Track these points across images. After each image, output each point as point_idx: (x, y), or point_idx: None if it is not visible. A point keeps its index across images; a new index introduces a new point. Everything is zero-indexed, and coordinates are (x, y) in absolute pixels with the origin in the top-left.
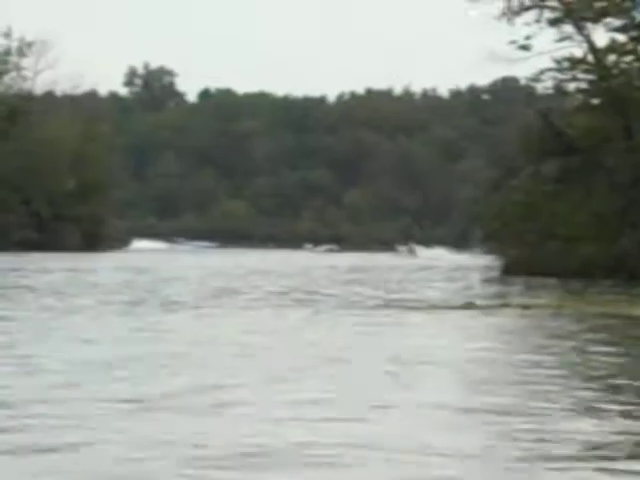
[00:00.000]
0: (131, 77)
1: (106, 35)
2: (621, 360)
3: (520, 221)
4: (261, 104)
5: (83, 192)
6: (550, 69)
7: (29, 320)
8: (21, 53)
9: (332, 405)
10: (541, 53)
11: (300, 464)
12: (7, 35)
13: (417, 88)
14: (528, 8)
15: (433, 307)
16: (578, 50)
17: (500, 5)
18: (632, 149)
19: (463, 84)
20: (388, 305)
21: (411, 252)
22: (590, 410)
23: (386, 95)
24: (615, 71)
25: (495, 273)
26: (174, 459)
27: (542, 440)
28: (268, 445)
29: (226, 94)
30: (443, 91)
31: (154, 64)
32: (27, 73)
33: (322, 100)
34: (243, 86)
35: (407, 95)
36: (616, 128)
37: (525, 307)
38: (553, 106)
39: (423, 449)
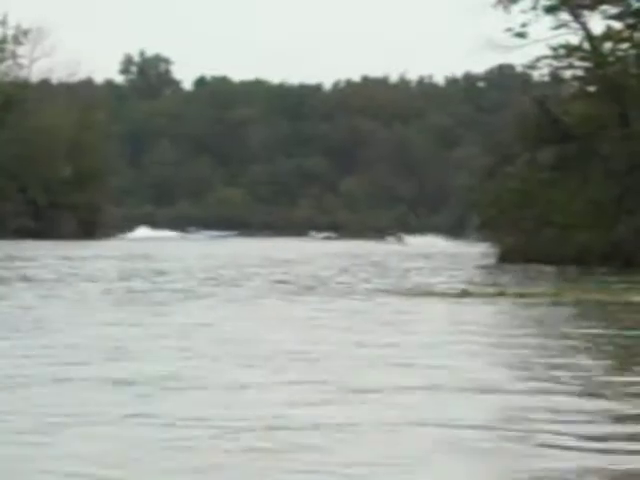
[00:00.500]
0: (127, 65)
1: (102, 23)
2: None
3: (516, 208)
4: (257, 92)
5: (79, 180)
6: (546, 56)
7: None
8: (17, 41)
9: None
10: (537, 40)
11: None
12: (3, 23)
13: (413, 76)
14: None
15: (429, 294)
16: (574, 37)
17: None
18: (628, 136)
19: (459, 72)
20: (382, 292)
21: (399, 240)
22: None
23: (382, 83)
24: (611, 58)
25: (490, 261)
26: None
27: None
28: None
29: (222, 82)
30: (439, 79)
31: (150, 52)
32: (23, 61)
33: (318, 88)
34: (239, 74)
35: (403, 83)
36: (612, 115)
37: (521, 295)
38: (549, 93)
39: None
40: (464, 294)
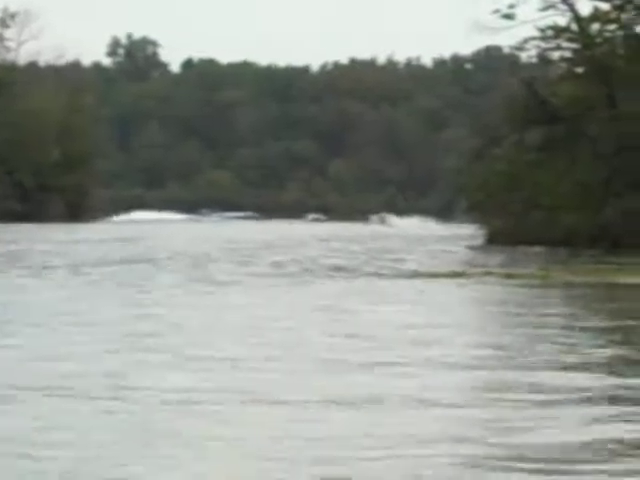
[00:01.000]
0: (114, 48)
1: (89, 6)
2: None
3: (504, 191)
4: (245, 74)
5: (67, 163)
6: (534, 38)
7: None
8: (4, 24)
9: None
10: (525, 22)
11: None
12: None
13: (401, 57)
14: None
15: (418, 275)
16: (562, 19)
17: None
18: (616, 118)
19: (447, 53)
20: (372, 274)
21: (382, 222)
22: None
23: (370, 65)
24: (599, 40)
25: (478, 242)
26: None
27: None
28: None
29: (209, 64)
30: (427, 60)
31: (137, 34)
32: (10, 44)
33: (306, 70)
34: (226, 56)
35: (391, 65)
36: (600, 97)
37: (509, 276)
38: (537, 75)
39: None
40: (453, 275)
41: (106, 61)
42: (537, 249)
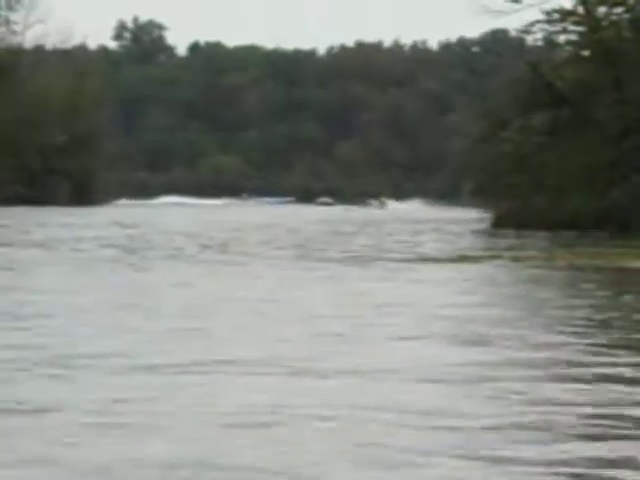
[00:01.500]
0: (120, 31)
1: None
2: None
3: (510, 173)
4: (251, 57)
5: (73, 146)
6: (540, 21)
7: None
8: (10, 7)
9: None
10: (531, 5)
11: None
12: None
13: (407, 40)
14: None
15: (425, 260)
16: (568, 2)
17: None
18: (622, 101)
19: (453, 36)
20: (379, 258)
21: (381, 205)
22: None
23: (376, 48)
24: (605, 23)
25: (483, 226)
26: None
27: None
28: None
29: (216, 47)
30: (433, 43)
31: (143, 18)
32: (16, 27)
33: (312, 53)
34: (233, 39)
35: (397, 47)
36: (606, 80)
37: (515, 259)
38: (543, 58)
39: None
40: (460, 259)
41: (112, 44)
42: (543, 232)
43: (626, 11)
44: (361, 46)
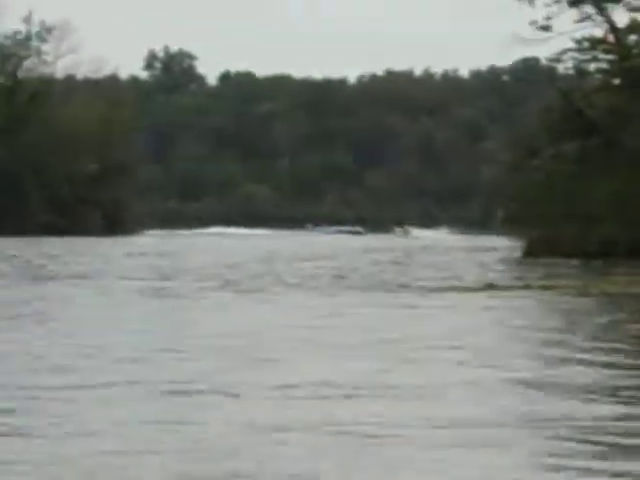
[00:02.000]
0: (151, 60)
1: (126, 19)
2: None
3: (541, 202)
4: (281, 86)
5: (105, 175)
6: (570, 49)
7: None
8: (41, 38)
9: None
10: (561, 33)
11: None
12: (27, 20)
13: (438, 69)
14: None
15: (454, 289)
16: (598, 30)
17: None
18: None
19: (484, 65)
20: (407, 287)
21: (405, 233)
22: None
23: (406, 76)
24: (635, 51)
25: (514, 255)
26: None
27: None
28: None
29: (246, 77)
30: (464, 72)
31: (174, 47)
32: (48, 58)
33: (342, 82)
34: (263, 69)
35: (427, 76)
36: (637, 108)
37: (546, 288)
38: (573, 86)
39: None
40: (490, 287)
41: (143, 74)
42: (575, 261)
43: None
44: (391, 74)
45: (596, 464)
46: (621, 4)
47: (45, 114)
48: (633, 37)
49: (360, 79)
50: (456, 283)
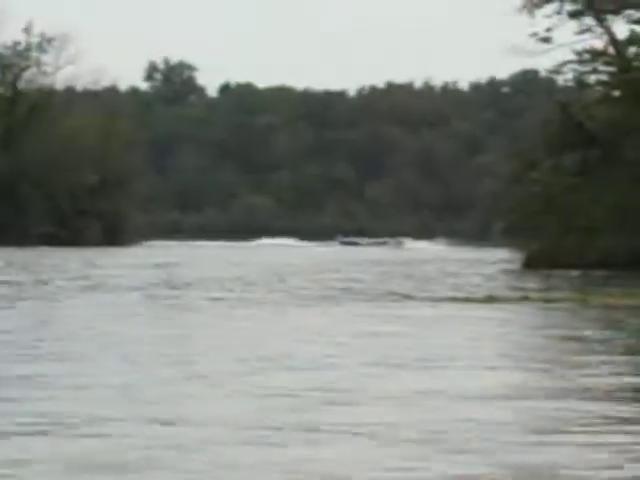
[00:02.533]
0: (151, 72)
1: (126, 30)
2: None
3: (540, 214)
4: (281, 98)
5: (104, 187)
6: (571, 61)
7: None
8: (41, 49)
9: None
10: (561, 45)
11: None
12: (27, 31)
13: (437, 81)
14: (549, 0)
15: (453, 300)
16: (599, 42)
17: None
18: None
19: (483, 77)
20: (408, 298)
21: (399, 245)
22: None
23: (406, 89)
24: (636, 63)
25: (512, 266)
26: None
27: None
28: None
29: (246, 88)
30: (463, 84)
31: (174, 59)
32: (48, 69)
33: (342, 94)
34: (263, 80)
35: (427, 88)
36: (637, 120)
37: (547, 301)
38: (573, 98)
39: None
40: (489, 300)
41: (143, 85)
42: (574, 272)
43: None
44: (391, 87)
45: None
46: (621, 16)
47: (45, 125)
48: (633, 49)
49: (360, 91)
50: (456, 295)
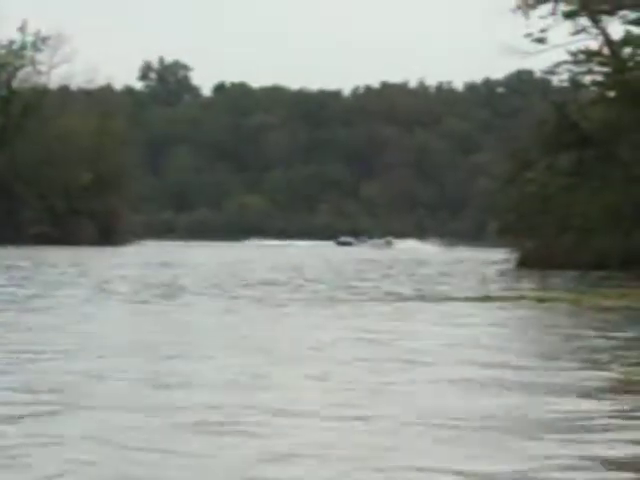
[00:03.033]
0: (146, 71)
1: (121, 30)
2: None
3: (535, 214)
4: (276, 98)
5: (98, 186)
6: (565, 62)
7: None
8: (36, 48)
9: None
10: (556, 46)
11: None
12: (22, 30)
13: (432, 81)
14: (544, 1)
15: (449, 299)
16: (593, 43)
17: None
18: None
19: (478, 77)
20: (402, 298)
21: (388, 244)
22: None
23: (401, 88)
24: (631, 64)
25: (507, 266)
26: None
27: None
28: None
29: (241, 88)
30: (458, 84)
31: (169, 58)
32: (42, 68)
33: (337, 94)
34: (258, 80)
35: (422, 88)
36: (632, 121)
37: (541, 300)
38: (568, 99)
39: None
40: (485, 299)
41: (138, 85)
42: (569, 273)
43: None
44: (386, 87)
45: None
46: (616, 16)
47: (39, 124)
48: (628, 50)
49: (355, 91)
50: (451, 294)
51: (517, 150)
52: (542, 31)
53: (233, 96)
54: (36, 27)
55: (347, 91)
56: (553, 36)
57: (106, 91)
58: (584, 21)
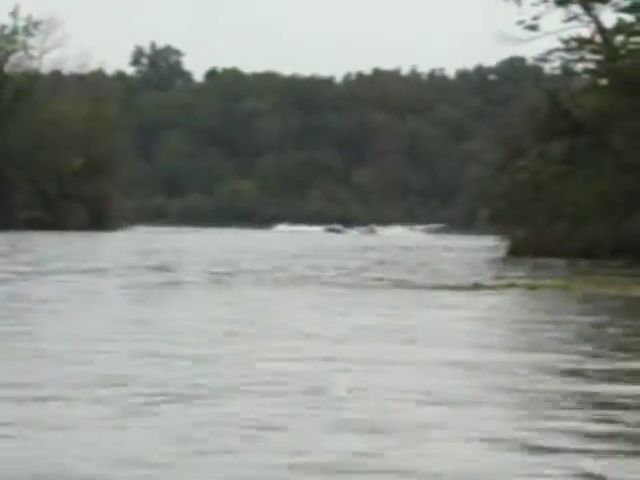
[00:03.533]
0: (138, 56)
1: (113, 14)
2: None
3: (527, 201)
4: (268, 84)
5: (90, 171)
6: (558, 49)
7: None
8: (28, 32)
9: None
10: (549, 33)
11: None
12: (14, 14)
13: (424, 68)
14: None
15: (441, 287)
16: (586, 30)
17: None
18: (639, 129)
19: (470, 64)
20: (397, 285)
21: (371, 232)
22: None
23: (393, 75)
24: (623, 51)
25: (498, 254)
26: None
27: None
28: None
29: (233, 74)
30: (450, 71)
31: (161, 43)
32: (34, 52)
33: (329, 80)
34: (250, 66)
35: (414, 75)
36: (624, 109)
37: (531, 288)
38: (560, 86)
39: None
40: (476, 287)
41: (130, 70)
42: (560, 261)
43: None
44: (378, 73)
45: None
46: (608, 4)
47: (31, 109)
48: (620, 38)
49: (347, 77)
50: (442, 282)
51: (509, 138)
52: (534, 18)
53: (225, 82)
54: (28, 12)
55: (339, 77)
56: (545, 23)
57: (98, 76)
58: (576, 8)
